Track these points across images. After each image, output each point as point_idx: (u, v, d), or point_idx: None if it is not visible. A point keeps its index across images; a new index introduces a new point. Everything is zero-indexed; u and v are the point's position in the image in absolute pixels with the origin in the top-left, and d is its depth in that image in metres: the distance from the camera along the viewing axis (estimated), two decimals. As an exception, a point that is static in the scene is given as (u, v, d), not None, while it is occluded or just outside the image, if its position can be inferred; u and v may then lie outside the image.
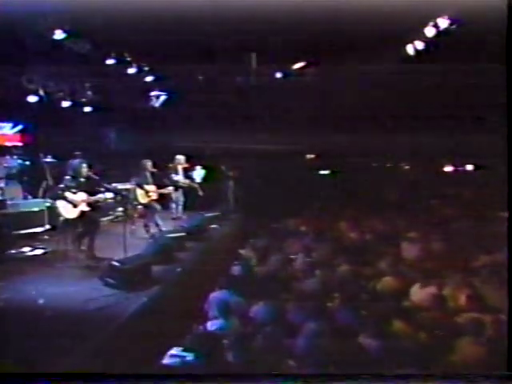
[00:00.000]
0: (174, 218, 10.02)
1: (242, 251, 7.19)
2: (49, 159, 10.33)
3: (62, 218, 6.20)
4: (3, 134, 11.41)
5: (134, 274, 5.29)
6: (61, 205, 6.06)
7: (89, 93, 10.34)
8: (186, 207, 10.33)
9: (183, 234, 7.70)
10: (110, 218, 9.69)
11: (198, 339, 4.23)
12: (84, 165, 6.41)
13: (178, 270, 6.15)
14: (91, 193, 6.36)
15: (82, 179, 6.34)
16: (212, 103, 11.22)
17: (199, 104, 11.12)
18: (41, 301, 4.75)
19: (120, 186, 10.27)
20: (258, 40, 8.96)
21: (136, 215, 9.15)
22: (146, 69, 10.48)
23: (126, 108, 10.79)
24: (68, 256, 6.28)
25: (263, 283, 6.31)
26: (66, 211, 6.09)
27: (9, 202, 6.85)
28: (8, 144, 10.05)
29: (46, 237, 6.81)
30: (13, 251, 6.45)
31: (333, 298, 6.13)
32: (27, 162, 9.13)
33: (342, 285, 6.36)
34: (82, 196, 6.24)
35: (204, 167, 13.50)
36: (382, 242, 8.77)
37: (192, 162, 12.56)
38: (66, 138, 10.15)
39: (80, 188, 6.21)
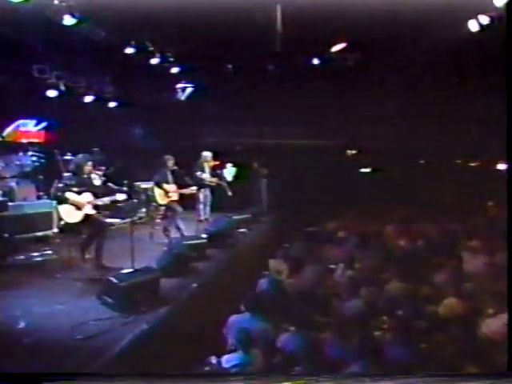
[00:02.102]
0: (200, 221, 9.09)
1: (270, 262, 6.11)
2: (68, 156, 9.74)
3: (62, 223, 5.35)
4: (27, 131, 10.96)
5: (135, 293, 4.38)
6: (61, 207, 5.23)
7: (107, 85, 9.62)
8: (212, 209, 9.38)
9: (204, 240, 6.69)
10: (129, 220, 8.90)
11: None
12: (89, 162, 5.56)
13: (194, 285, 5.16)
14: (97, 193, 5.48)
15: (85, 176, 5.47)
16: (243, 94, 10.22)
17: (228, 96, 10.15)
18: (21, 324, 3.90)
19: (143, 185, 9.56)
20: (289, 24, 7.89)
21: (157, 217, 8.32)
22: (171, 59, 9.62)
23: (149, 101, 10.01)
24: (71, 265, 5.46)
25: (295, 303, 5.22)
26: (68, 214, 5.26)
27: (10, 204, 6.13)
28: (24, 140, 9.51)
29: (56, 241, 6.00)
30: (13, 258, 5.70)
31: (381, 324, 4.96)
32: (42, 160, 8.50)
33: (392, 307, 5.16)
34: (87, 197, 5.40)
35: (235, 165, 12.56)
36: (437, 251, 7.39)
37: (220, 159, 11.70)
38: (84, 133, 9.53)
39: (82, 187, 5.35)
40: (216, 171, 9.92)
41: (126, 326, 4.05)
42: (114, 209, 8.99)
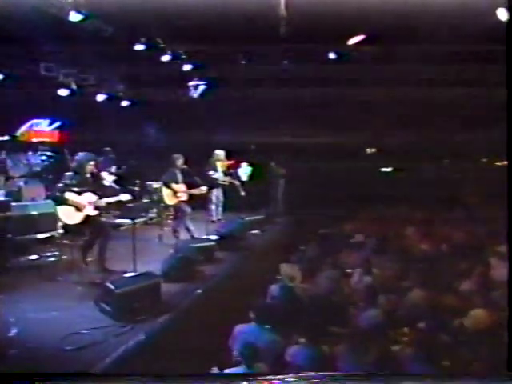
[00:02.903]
0: (213, 221, 8.80)
1: (282, 266, 5.74)
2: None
3: (61, 224, 5.12)
4: (41, 131, 10.94)
5: (132, 300, 4.09)
6: (60, 208, 4.99)
7: (118, 83, 9.44)
8: (224, 209, 9.07)
9: (212, 242, 6.36)
10: (140, 220, 8.70)
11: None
12: (91, 162, 5.31)
13: (198, 291, 4.84)
14: (99, 194, 5.22)
15: (87, 175, 5.23)
16: (257, 91, 9.87)
17: (242, 93, 9.82)
18: (12, 331, 3.67)
19: (155, 185, 9.33)
20: (304, 18, 7.49)
21: (168, 218, 8.08)
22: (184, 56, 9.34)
23: (161, 99, 9.77)
24: (73, 268, 5.22)
25: (307, 312, 4.85)
26: (67, 215, 5.02)
27: (13, 204, 5.96)
28: (36, 140, 9.43)
29: (59, 242, 5.80)
30: (14, 260, 5.52)
31: (401, 337, 4.54)
32: (51, 159, 8.36)
33: (413, 318, 4.73)
34: (88, 197, 5.15)
35: (250, 164, 12.22)
36: (463, 256, 6.87)
37: (235, 158, 11.38)
38: (95, 132, 9.37)
39: (83, 187, 5.10)
40: (229, 170, 9.61)
41: (120, 336, 3.76)
42: (123, 209, 8.87)
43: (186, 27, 7.91)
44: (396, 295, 5.23)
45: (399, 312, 4.88)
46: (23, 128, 10.37)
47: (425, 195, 9.69)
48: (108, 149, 9.16)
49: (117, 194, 5.48)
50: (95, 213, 5.20)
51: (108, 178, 9.00)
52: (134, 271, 4.89)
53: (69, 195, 5.05)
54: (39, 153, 8.30)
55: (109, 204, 5.44)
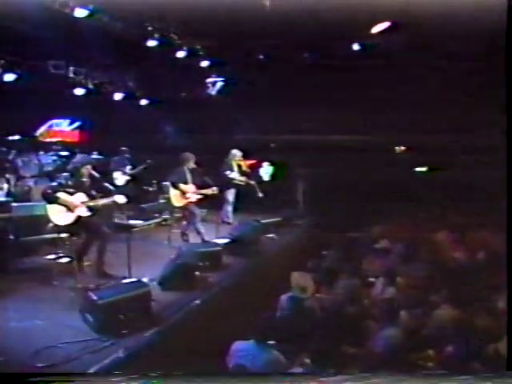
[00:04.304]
0: (229, 223, 8.37)
1: (293, 275, 5.21)
2: (95, 155, 9.45)
3: (51, 225, 4.82)
4: (61, 131, 10.92)
5: (117, 311, 3.70)
6: (50, 207, 4.71)
7: (134, 82, 9.21)
8: (239, 211, 8.62)
9: (219, 247, 5.91)
10: (153, 222, 8.40)
11: None
12: (88, 165, 5.01)
13: (195, 302, 4.40)
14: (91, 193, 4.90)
15: (84, 179, 4.93)
16: (277, 87, 9.37)
17: (261, 89, 9.34)
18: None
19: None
20: (324, 8, 6.93)
21: (181, 220, 7.74)
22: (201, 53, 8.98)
23: (178, 97, 9.47)
24: (71, 271, 4.91)
25: (316, 328, 4.31)
26: (57, 215, 4.72)
27: (14, 205, 5.78)
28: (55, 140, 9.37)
29: (60, 244, 5.52)
30: (15, 262, 5.30)
31: (424, 361, 3.93)
32: (63, 159, 8.21)
33: (439, 340, 4.10)
34: (80, 198, 4.85)
35: (272, 163, 11.72)
36: (502, 266, 6.06)
37: (256, 157, 10.91)
38: (112, 132, 9.20)
39: (76, 189, 4.80)
40: (245, 170, 9.14)
41: (98, 352, 3.38)
42: (137, 210, 8.61)
43: (201, 22, 7.56)
44: (421, 311, 4.61)
45: (423, 332, 4.25)
46: (43, 128, 10.36)
47: (460, 197, 8.86)
48: (124, 148, 8.94)
49: (111, 196, 5.09)
50: (88, 214, 4.88)
51: (121, 178, 8.80)
52: (129, 277, 4.54)
53: (61, 195, 4.76)
54: (52, 153, 8.16)
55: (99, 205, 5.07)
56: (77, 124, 11.00)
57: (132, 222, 8.38)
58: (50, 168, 7.84)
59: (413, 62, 8.06)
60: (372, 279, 6.08)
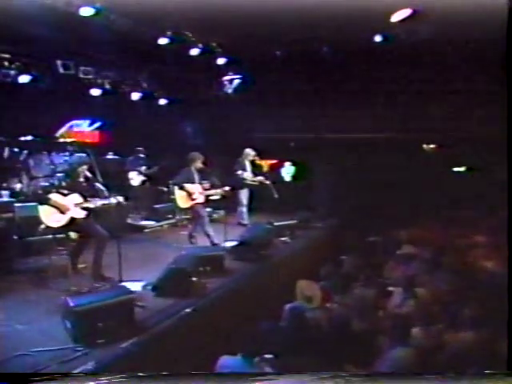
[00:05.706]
0: (244, 225, 8.02)
1: (299, 284, 4.78)
2: (110, 156, 9.38)
3: (42, 226, 4.65)
4: (81, 132, 10.92)
5: (95, 319, 3.43)
6: (42, 208, 4.53)
7: (149, 81, 9.04)
8: (253, 212, 8.26)
9: (222, 251, 5.56)
10: (166, 223, 8.23)
11: None
12: (84, 166, 4.82)
13: (186, 310, 4.07)
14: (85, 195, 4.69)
15: (80, 179, 4.74)
16: (296, 84, 8.94)
17: (280, 86, 8.94)
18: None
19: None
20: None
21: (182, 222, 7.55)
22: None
23: (195, 96, 9.23)
24: (68, 274, 4.73)
25: (319, 344, 3.87)
26: (49, 217, 4.54)
27: (17, 205, 5.69)
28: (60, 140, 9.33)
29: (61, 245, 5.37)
30: (17, 263, 5.19)
31: None
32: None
33: (455, 366, 3.55)
34: (74, 199, 4.65)
35: (294, 163, 11.27)
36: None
37: (277, 157, 10.51)
38: (127, 132, 9.07)
39: (73, 190, 4.61)
40: (264, 169, 8.77)
41: (67, 363, 3.11)
42: (151, 210, 8.45)
43: (219, 19, 7.27)
44: (438, 329, 4.06)
45: (438, 355, 3.71)
46: (63, 129, 10.39)
47: (494, 199, 8.08)
48: (140, 148, 8.81)
49: (106, 197, 4.86)
50: (83, 215, 4.67)
51: (137, 178, 8.66)
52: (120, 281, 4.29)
53: (53, 196, 4.57)
54: (67, 153, 8.10)
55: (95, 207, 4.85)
56: (97, 124, 10.98)
57: (144, 222, 8.28)
58: (60, 169, 7.78)
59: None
60: (391, 288, 5.58)
